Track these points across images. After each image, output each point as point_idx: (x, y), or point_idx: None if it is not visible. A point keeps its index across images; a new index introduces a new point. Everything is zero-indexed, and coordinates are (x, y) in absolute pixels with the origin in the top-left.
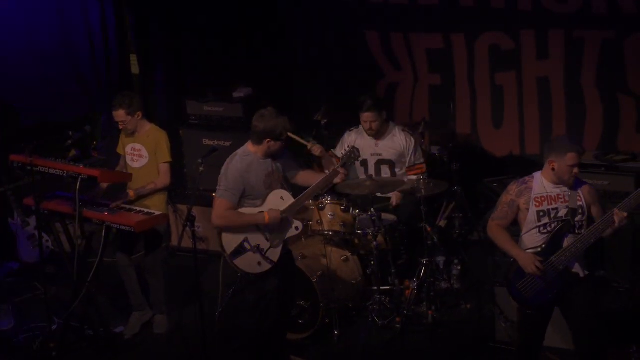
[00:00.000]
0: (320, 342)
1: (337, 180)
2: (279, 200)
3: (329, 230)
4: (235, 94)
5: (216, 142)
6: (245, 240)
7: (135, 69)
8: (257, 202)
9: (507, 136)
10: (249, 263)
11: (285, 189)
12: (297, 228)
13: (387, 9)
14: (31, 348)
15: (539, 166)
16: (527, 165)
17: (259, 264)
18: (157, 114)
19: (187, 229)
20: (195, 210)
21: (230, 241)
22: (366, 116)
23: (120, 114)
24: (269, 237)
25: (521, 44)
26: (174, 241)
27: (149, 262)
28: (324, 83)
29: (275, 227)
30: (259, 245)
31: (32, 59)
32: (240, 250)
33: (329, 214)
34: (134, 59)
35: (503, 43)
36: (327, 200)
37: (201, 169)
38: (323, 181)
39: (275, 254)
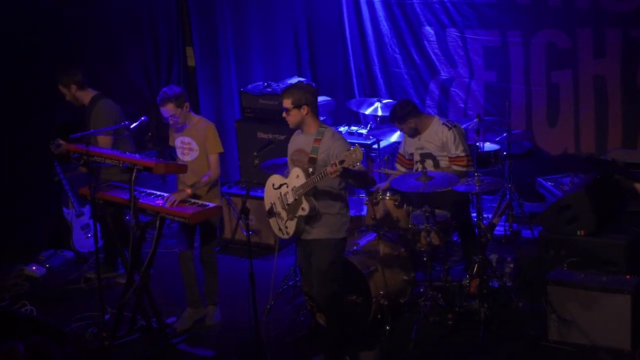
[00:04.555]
0: (371, 337)
1: (329, 170)
2: (295, 177)
3: (382, 226)
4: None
5: (270, 136)
6: (274, 203)
7: (191, 61)
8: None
9: (562, 135)
10: (275, 226)
11: (305, 171)
12: (303, 209)
13: (445, 7)
14: (84, 337)
15: None
16: (582, 164)
17: (280, 230)
18: (211, 107)
19: (242, 221)
20: (249, 203)
21: (267, 200)
22: (396, 124)
23: (169, 108)
24: (286, 209)
25: (578, 43)
26: (228, 234)
27: (203, 253)
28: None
29: (291, 202)
30: (280, 213)
31: (105, 49)
32: (271, 212)
33: (383, 209)
34: (190, 51)
35: (560, 41)
36: (381, 196)
37: (256, 161)
38: (321, 174)
39: (291, 227)
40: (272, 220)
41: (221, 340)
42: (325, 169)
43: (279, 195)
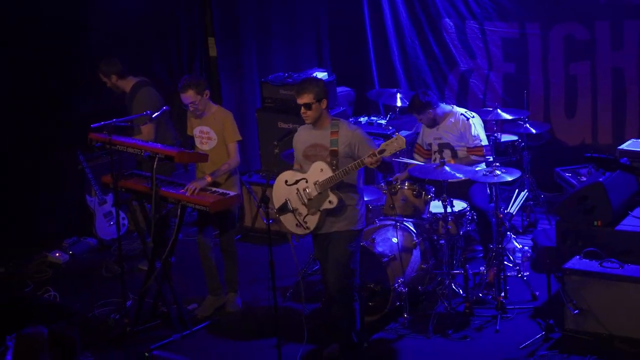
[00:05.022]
0: (390, 324)
1: (368, 160)
2: (319, 171)
3: (400, 215)
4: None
5: (291, 125)
6: (288, 200)
7: (213, 51)
8: (296, 166)
9: (580, 126)
10: (290, 222)
11: (328, 164)
12: (330, 202)
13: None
14: (106, 323)
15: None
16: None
17: (297, 225)
18: (233, 97)
19: (261, 209)
20: (269, 192)
21: (277, 198)
22: (414, 115)
23: (189, 94)
24: (306, 204)
25: (596, 35)
26: (248, 222)
27: (223, 241)
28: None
29: (314, 197)
30: (297, 208)
31: (127, 40)
32: (283, 208)
33: (401, 198)
34: (212, 41)
35: (578, 33)
36: (400, 185)
37: (276, 150)
38: (354, 165)
39: (312, 222)
40: (285, 217)
41: (242, 327)
42: (360, 160)
43: (295, 191)
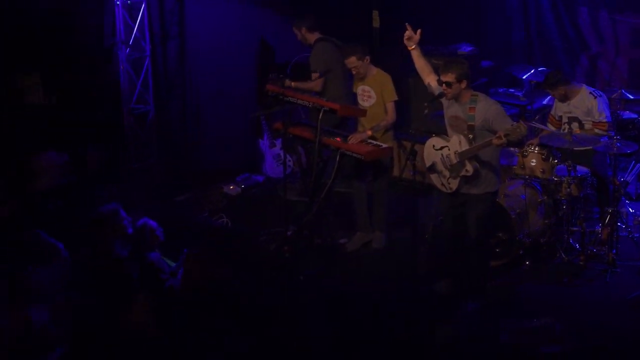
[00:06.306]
0: (513, 270)
1: (495, 141)
2: (457, 143)
3: (529, 175)
4: (460, 51)
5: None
6: (435, 163)
7: (376, 23)
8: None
9: None
10: (436, 180)
11: (466, 137)
12: (467, 170)
13: None
14: (268, 248)
15: None
16: None
17: (443, 185)
18: (390, 63)
19: (409, 162)
20: (417, 147)
21: (427, 158)
22: (547, 90)
23: (352, 60)
24: (448, 168)
25: None
26: (397, 172)
27: (374, 187)
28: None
29: (455, 163)
30: (442, 171)
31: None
32: (432, 168)
33: (532, 161)
34: (375, 14)
35: None
36: (531, 149)
37: (426, 111)
38: (484, 143)
39: (454, 184)
40: (433, 176)
41: (385, 262)
42: (490, 139)
43: (440, 156)
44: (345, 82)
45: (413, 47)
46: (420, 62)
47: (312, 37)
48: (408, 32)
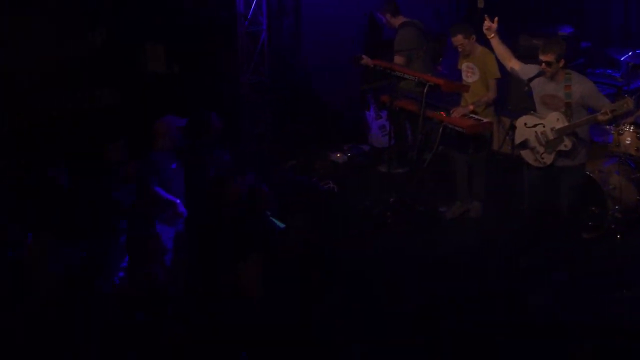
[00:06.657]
0: (604, 242)
1: (600, 117)
2: (555, 120)
3: (624, 153)
4: (561, 32)
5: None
6: (528, 140)
7: (481, 3)
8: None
9: None
10: (528, 156)
11: (564, 114)
12: (565, 146)
13: None
14: (371, 213)
15: None
16: None
17: (536, 160)
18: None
19: (507, 137)
20: (516, 123)
21: (519, 135)
22: None
23: (458, 39)
24: (543, 143)
25: None
26: (496, 146)
27: (475, 159)
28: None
29: (552, 139)
30: (535, 147)
31: None
32: (523, 145)
33: (627, 139)
34: None
35: None
36: (627, 128)
37: (526, 88)
38: (587, 119)
39: (548, 159)
40: (524, 152)
41: (481, 231)
42: (594, 115)
43: (534, 133)
44: (426, 64)
45: (492, 35)
46: (500, 49)
47: (397, 21)
48: (487, 22)
